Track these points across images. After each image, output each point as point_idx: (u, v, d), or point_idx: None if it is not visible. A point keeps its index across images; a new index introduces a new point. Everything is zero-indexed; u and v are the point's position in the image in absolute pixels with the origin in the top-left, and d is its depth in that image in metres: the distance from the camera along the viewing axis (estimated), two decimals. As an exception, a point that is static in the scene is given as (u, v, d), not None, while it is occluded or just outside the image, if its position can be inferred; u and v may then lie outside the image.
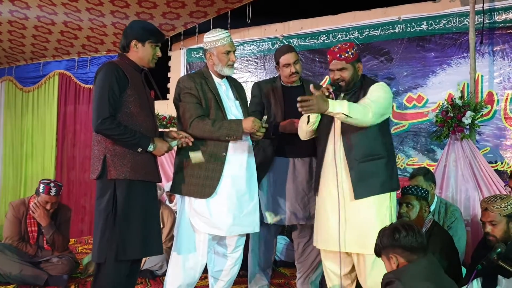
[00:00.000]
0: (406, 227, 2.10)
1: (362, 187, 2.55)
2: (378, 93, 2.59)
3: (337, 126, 2.66)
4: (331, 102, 2.41)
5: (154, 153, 2.59)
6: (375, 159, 2.58)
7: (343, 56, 2.63)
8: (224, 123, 2.69)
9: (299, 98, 2.36)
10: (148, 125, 2.59)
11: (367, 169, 2.56)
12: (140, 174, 2.52)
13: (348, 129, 2.59)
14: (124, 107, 2.51)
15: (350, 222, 2.57)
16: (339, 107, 2.41)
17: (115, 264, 2.46)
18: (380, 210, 2.58)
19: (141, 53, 2.62)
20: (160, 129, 5.96)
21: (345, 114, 2.41)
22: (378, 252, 2.18)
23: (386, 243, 2.11)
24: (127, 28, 2.65)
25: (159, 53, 2.68)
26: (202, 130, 2.68)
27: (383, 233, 2.14)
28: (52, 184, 3.69)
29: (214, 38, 2.79)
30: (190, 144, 2.67)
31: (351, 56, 2.64)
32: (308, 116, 2.72)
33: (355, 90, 2.70)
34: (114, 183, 2.47)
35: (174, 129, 3.01)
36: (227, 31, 2.83)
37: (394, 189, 2.66)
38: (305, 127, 2.78)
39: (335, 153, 2.62)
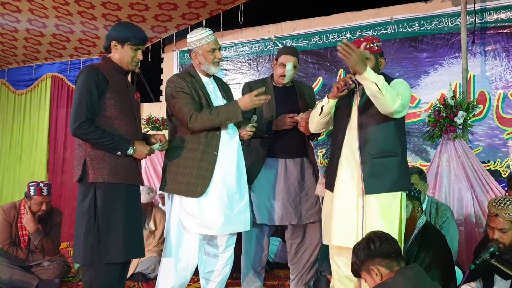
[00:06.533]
0: (379, 236, 2.09)
1: (373, 183, 2.50)
2: (402, 87, 2.55)
3: (353, 120, 2.60)
4: (369, 70, 2.39)
5: (135, 156, 2.57)
6: (389, 156, 2.53)
7: (368, 46, 2.58)
8: (220, 108, 2.70)
9: (344, 41, 2.36)
10: (128, 129, 2.57)
11: (380, 165, 2.51)
12: (120, 178, 2.50)
13: (365, 123, 2.55)
14: (103, 111, 2.49)
15: (363, 218, 2.50)
16: (375, 77, 2.38)
17: (106, 267, 2.44)
18: (389, 209, 2.51)
19: (119, 55, 2.60)
20: (152, 131, 5.91)
21: (378, 87, 2.37)
22: (357, 270, 2.14)
23: (363, 256, 2.08)
24: (110, 29, 2.64)
25: (139, 56, 2.63)
26: (202, 120, 2.67)
27: (357, 249, 2.12)
28: (42, 185, 3.66)
29: (198, 37, 2.78)
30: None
31: (376, 47, 2.61)
32: (322, 107, 2.70)
33: None
34: (94, 187, 2.46)
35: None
36: (209, 29, 2.82)
37: (405, 189, 2.61)
38: (317, 118, 2.74)
39: (352, 148, 2.56)
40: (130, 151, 2.52)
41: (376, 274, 2.04)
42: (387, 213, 2.51)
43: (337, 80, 2.61)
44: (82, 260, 2.46)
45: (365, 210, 2.50)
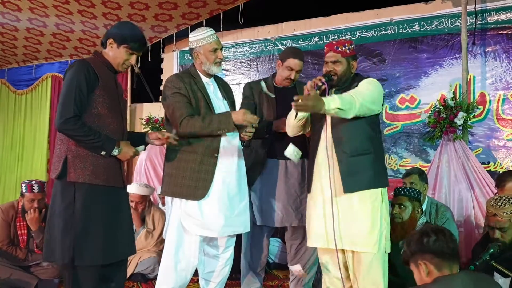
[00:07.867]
0: (436, 231, 1.95)
1: (351, 181, 2.50)
2: (366, 86, 2.56)
3: (328, 121, 2.61)
4: (325, 100, 2.37)
5: (119, 157, 2.48)
6: (363, 154, 2.54)
7: (339, 49, 2.60)
8: (214, 117, 2.67)
9: (295, 97, 2.31)
10: (114, 128, 2.49)
11: (355, 164, 2.52)
12: (101, 179, 2.41)
13: (338, 123, 2.56)
14: (91, 108, 2.41)
15: (342, 217, 2.51)
16: (333, 103, 2.38)
17: (83, 269, 2.37)
18: (372, 206, 2.51)
19: (113, 54, 2.52)
20: (151, 132, 5.91)
21: (339, 108, 2.38)
22: (407, 260, 2.02)
23: (414, 248, 1.95)
24: (112, 26, 2.59)
25: (132, 61, 2.56)
26: (192, 127, 2.65)
27: (411, 238, 2.00)
28: (33, 182, 3.67)
29: (200, 36, 2.76)
30: (175, 143, 2.62)
31: (348, 51, 2.62)
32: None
33: (346, 86, 2.65)
34: (74, 186, 2.37)
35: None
36: (211, 29, 2.81)
37: (383, 186, 2.61)
38: (293, 122, 2.74)
39: (327, 148, 2.57)
40: (115, 152, 2.44)
41: (423, 270, 1.92)
42: (369, 211, 2.50)
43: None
44: (63, 259, 2.36)
45: (341, 210, 2.51)
